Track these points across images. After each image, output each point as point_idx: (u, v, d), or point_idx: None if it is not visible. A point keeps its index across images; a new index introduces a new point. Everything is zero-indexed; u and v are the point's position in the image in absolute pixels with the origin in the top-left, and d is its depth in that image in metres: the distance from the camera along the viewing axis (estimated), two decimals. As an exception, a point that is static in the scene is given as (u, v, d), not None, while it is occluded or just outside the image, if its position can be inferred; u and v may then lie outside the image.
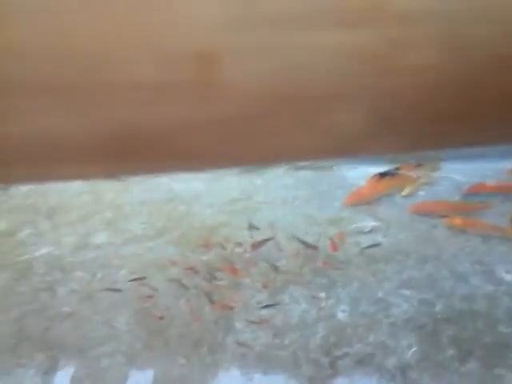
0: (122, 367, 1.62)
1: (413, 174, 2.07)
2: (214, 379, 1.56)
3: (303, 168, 2.19)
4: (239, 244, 1.90)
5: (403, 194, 2.07)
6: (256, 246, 1.87)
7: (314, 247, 1.85)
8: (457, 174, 2.05)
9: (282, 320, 1.66)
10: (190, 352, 1.62)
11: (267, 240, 1.88)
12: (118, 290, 1.81)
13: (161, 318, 1.70)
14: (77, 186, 2.26)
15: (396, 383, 1.48)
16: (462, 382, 1.45)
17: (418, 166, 2.10)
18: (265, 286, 1.76)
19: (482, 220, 1.93)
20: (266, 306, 1.70)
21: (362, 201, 2.04)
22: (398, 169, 2.08)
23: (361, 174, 2.11)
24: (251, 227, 1.93)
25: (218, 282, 1.79)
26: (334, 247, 1.84)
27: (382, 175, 2.06)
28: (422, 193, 2.09)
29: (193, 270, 1.82)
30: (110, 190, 2.22)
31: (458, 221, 1.92)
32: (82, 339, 1.69)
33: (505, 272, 1.72)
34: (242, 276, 1.79)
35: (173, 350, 1.63)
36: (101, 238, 2.01)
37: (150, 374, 1.60)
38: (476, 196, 2.03)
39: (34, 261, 1.94)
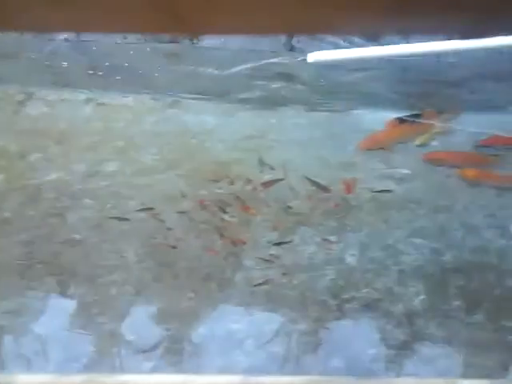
0: (130, 297, 1.64)
1: (432, 121, 2.04)
2: (220, 313, 1.58)
3: (318, 109, 2.16)
4: (250, 181, 1.89)
5: (416, 142, 2.04)
6: (266, 185, 1.86)
7: (327, 189, 1.84)
8: (473, 125, 2.02)
9: (291, 260, 1.68)
10: (199, 286, 1.64)
11: (278, 180, 1.87)
12: (128, 220, 1.81)
13: (174, 247, 1.71)
14: (87, 113, 2.22)
15: (402, 329, 1.50)
16: (468, 332, 1.48)
17: (439, 113, 2.06)
18: (275, 226, 1.77)
19: (495, 172, 1.92)
20: (276, 245, 1.71)
21: (376, 146, 2.02)
22: (418, 115, 2.05)
23: (377, 118, 2.08)
24: (262, 164, 1.92)
25: (229, 219, 1.79)
26: (349, 189, 1.83)
27: (402, 121, 2.02)
28: (436, 143, 2.06)
29: (203, 205, 1.82)
30: (120, 119, 2.19)
31: (471, 172, 1.91)
32: (91, 266, 1.70)
33: (517, 227, 1.73)
34: (253, 214, 1.79)
35: (181, 284, 1.65)
36: (111, 166, 2.00)
37: (155, 305, 1.63)
38: (490, 148, 2.01)
39: (43, 185, 1.93)
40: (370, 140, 2.02)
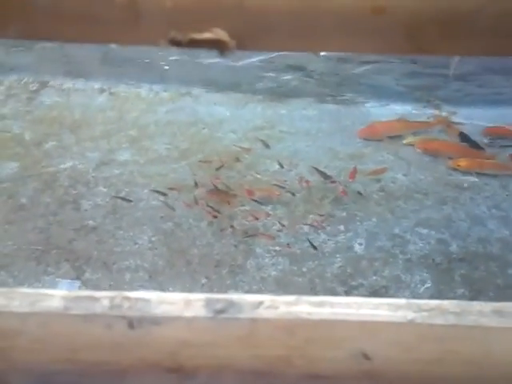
0: (144, 282, 1.69)
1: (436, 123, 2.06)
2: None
3: (327, 101, 2.20)
4: (261, 171, 1.93)
5: (404, 142, 2.03)
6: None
7: (334, 181, 1.88)
8: (478, 119, 2.06)
9: (300, 248, 1.72)
10: (211, 272, 1.69)
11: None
12: (141, 208, 1.86)
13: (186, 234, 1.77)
14: (100, 102, 2.27)
15: (408, 316, 1.55)
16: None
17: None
18: (284, 215, 1.81)
19: (487, 160, 1.94)
20: (286, 234, 1.75)
21: (374, 136, 2.04)
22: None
23: (386, 111, 2.12)
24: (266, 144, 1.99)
25: (240, 207, 1.83)
26: (353, 176, 1.87)
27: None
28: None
29: (215, 193, 1.86)
30: (133, 109, 2.23)
31: (462, 162, 1.92)
32: (106, 252, 1.75)
33: (520, 218, 1.77)
34: (277, 195, 1.83)
35: (194, 270, 1.70)
36: (125, 155, 2.04)
37: (168, 290, 1.67)
38: (494, 139, 2.03)
39: (58, 173, 1.98)
40: (368, 129, 2.05)
